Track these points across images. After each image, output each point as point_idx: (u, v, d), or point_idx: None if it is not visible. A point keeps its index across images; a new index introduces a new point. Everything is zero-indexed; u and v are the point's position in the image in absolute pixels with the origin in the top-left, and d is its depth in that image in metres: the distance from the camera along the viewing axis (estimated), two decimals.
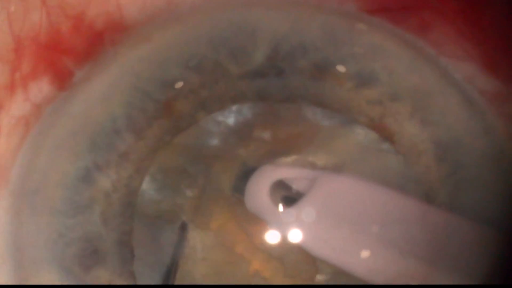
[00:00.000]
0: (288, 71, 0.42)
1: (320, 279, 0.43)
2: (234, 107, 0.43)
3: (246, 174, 0.43)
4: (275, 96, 0.43)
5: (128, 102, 0.42)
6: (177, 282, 0.43)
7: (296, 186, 0.42)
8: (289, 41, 0.41)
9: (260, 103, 0.43)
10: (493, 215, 0.40)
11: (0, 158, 0.41)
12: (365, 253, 0.40)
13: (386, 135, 0.43)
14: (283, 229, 0.41)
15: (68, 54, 0.41)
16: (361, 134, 0.44)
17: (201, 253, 0.44)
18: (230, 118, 0.44)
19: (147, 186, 0.44)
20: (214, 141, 0.44)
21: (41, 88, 0.41)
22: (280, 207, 0.42)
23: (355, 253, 0.40)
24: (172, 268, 0.43)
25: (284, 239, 0.42)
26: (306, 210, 0.41)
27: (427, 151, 0.42)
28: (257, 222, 0.42)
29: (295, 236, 0.41)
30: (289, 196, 0.42)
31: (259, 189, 0.42)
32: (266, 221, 0.42)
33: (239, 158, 0.44)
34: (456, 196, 0.41)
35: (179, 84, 0.42)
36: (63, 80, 0.41)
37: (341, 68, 0.42)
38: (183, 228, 0.44)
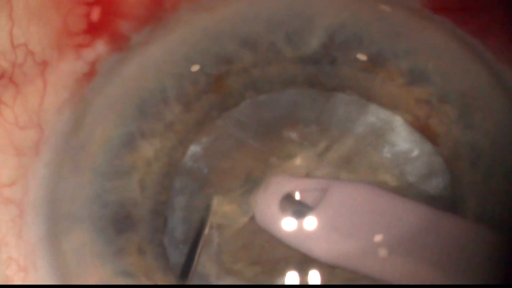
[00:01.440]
0: (341, 61, 0.41)
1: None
2: (285, 91, 0.43)
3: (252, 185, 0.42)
4: (325, 84, 0.42)
5: (179, 73, 0.41)
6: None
7: (307, 197, 0.41)
8: (345, 31, 0.41)
9: (309, 89, 0.43)
10: None
11: (44, 114, 0.40)
12: (379, 260, 0.39)
13: (430, 136, 0.43)
14: (295, 242, 0.40)
15: (126, 18, 0.40)
16: (404, 132, 0.43)
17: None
18: (277, 101, 0.44)
19: (188, 158, 0.43)
20: (259, 122, 0.44)
21: (95, 47, 0.41)
22: (292, 220, 0.41)
23: (369, 260, 0.39)
24: (198, 240, 0.43)
25: (298, 253, 0.40)
26: (319, 221, 0.40)
27: (466, 156, 0.41)
28: None
29: (307, 247, 0.40)
30: (300, 209, 0.41)
31: (269, 203, 0.41)
32: (277, 236, 0.40)
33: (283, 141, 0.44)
34: (485, 204, 0.41)
35: (233, 61, 0.42)
36: (119, 42, 0.41)
37: (394, 63, 0.41)
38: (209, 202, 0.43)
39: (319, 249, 0.40)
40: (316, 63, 0.42)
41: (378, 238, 0.39)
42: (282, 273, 0.42)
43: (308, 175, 0.42)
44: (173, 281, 0.41)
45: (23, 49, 0.38)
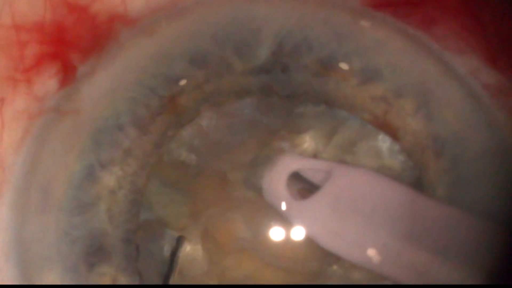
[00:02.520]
0: (293, 67, 0.41)
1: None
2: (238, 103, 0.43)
3: (259, 164, 0.43)
4: (280, 92, 0.42)
5: (132, 98, 0.40)
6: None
7: (312, 177, 0.41)
8: (293, 37, 0.40)
9: (264, 98, 0.42)
10: (496, 210, 0.40)
11: (4, 153, 0.39)
12: (375, 246, 0.40)
13: (390, 132, 0.42)
14: (297, 220, 0.41)
15: (71, 48, 0.39)
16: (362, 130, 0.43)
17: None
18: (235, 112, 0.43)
19: (152, 182, 0.43)
20: (218, 135, 0.43)
21: (44, 82, 0.39)
22: (297, 198, 0.41)
23: (366, 245, 0.40)
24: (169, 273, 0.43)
25: (296, 231, 0.41)
26: (321, 202, 0.40)
27: (428, 147, 0.41)
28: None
29: (308, 228, 0.41)
30: (305, 188, 0.42)
31: (277, 179, 0.41)
32: (281, 212, 0.41)
33: (248, 151, 0.44)
34: (454, 192, 0.41)
35: (184, 80, 0.41)
36: (66, 74, 0.39)
37: (345, 65, 0.40)
38: (179, 241, 0.43)
39: (318, 229, 0.41)
40: (268, 72, 0.41)
41: (376, 224, 0.40)
42: None
43: None
44: None
45: None
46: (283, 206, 0.41)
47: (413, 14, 0.40)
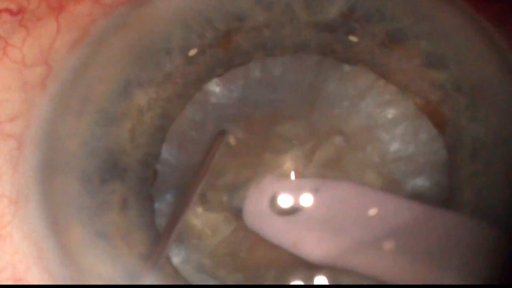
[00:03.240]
0: (359, 33, 0.39)
1: None
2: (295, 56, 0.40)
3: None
4: (339, 54, 0.40)
5: (187, 24, 0.38)
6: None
7: (297, 197, 0.39)
8: (368, 4, 0.38)
9: (322, 57, 0.40)
10: None
11: (55, 51, 0.37)
12: (371, 258, 0.38)
13: (438, 122, 0.41)
14: (285, 243, 0.39)
15: None
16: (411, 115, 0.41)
17: None
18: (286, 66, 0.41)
19: (187, 114, 0.41)
20: (263, 87, 0.41)
21: None
22: (282, 220, 0.39)
23: (361, 258, 0.38)
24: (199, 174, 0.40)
25: (287, 252, 0.39)
26: (309, 221, 0.38)
27: (467, 147, 0.40)
28: None
29: (297, 247, 0.38)
30: (290, 209, 0.39)
31: (258, 203, 0.39)
32: (266, 236, 0.39)
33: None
34: (480, 195, 0.39)
35: (245, 18, 0.38)
36: None
37: (413, 43, 0.38)
38: (222, 134, 0.40)
39: (309, 249, 0.39)
40: (332, 32, 0.39)
41: (370, 236, 0.38)
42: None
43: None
44: (152, 241, 0.40)
45: None
46: (268, 231, 0.39)
47: (491, 9, 0.38)
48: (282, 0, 0.38)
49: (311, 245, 0.38)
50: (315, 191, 0.39)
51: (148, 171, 0.40)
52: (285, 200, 0.39)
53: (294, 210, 0.39)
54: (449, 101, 0.39)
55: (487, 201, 0.39)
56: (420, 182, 0.41)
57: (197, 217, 0.41)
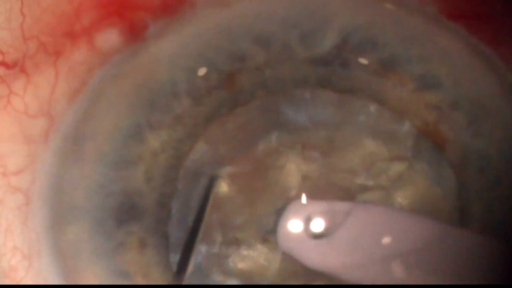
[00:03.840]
0: (353, 63, 0.40)
1: None
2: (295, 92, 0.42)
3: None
4: (337, 86, 0.41)
5: (192, 67, 0.40)
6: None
7: (329, 220, 0.39)
8: (360, 34, 0.39)
9: (321, 91, 0.42)
10: None
11: (55, 102, 0.39)
12: (398, 281, 0.38)
13: (438, 142, 0.42)
14: (318, 264, 0.39)
15: (144, 8, 0.39)
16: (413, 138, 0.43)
17: None
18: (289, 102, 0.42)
19: (196, 151, 0.42)
20: (271, 123, 0.42)
21: (110, 38, 0.40)
22: (314, 243, 0.39)
23: (388, 281, 0.38)
24: (198, 222, 0.41)
25: (320, 274, 0.40)
26: (340, 244, 0.39)
27: (474, 163, 0.40)
28: None
29: (330, 270, 0.39)
30: (322, 232, 0.40)
31: (291, 227, 0.39)
32: (301, 260, 0.39)
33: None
34: (490, 211, 0.40)
35: (245, 59, 0.40)
36: (135, 32, 0.39)
37: (406, 68, 0.40)
38: (212, 181, 0.42)
39: (341, 270, 0.39)
40: (328, 65, 0.40)
41: (398, 258, 0.38)
42: None
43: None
44: (171, 279, 0.41)
45: (35, 41, 0.37)
46: (302, 254, 0.39)
47: (485, 30, 0.39)
48: (279, 38, 0.40)
49: (342, 266, 0.39)
50: (347, 214, 0.39)
51: (163, 211, 0.42)
52: (317, 223, 0.40)
53: (326, 233, 0.39)
54: (447, 121, 0.41)
55: (497, 216, 0.40)
56: (431, 200, 0.41)
57: (244, 259, 0.42)
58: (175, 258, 0.41)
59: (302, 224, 0.39)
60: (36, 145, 0.39)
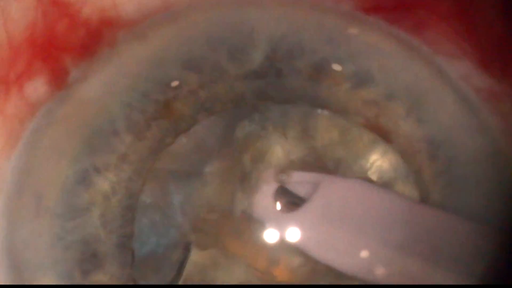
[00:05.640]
0: (286, 72, 0.39)
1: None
2: (235, 109, 0.41)
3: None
4: (274, 97, 0.40)
5: (126, 103, 0.39)
6: None
7: (300, 190, 0.40)
8: (286, 41, 0.39)
9: (259, 104, 0.41)
10: (488, 214, 0.38)
11: None
12: (366, 255, 0.38)
13: (383, 135, 0.41)
14: (286, 233, 0.39)
15: (64, 52, 0.38)
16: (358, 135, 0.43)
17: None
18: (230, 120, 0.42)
19: (148, 188, 0.41)
20: (216, 144, 0.42)
21: (36, 87, 0.38)
22: (284, 211, 0.40)
23: (356, 254, 0.38)
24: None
25: (287, 244, 0.40)
26: (310, 214, 0.39)
27: (422, 150, 0.40)
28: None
29: (299, 240, 0.39)
30: (293, 201, 0.40)
31: (263, 194, 0.40)
32: (269, 226, 0.39)
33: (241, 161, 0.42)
34: (448, 195, 0.40)
35: (177, 85, 0.39)
36: (58, 79, 0.38)
37: (337, 68, 0.39)
38: (186, 249, 0.41)
39: (308, 241, 0.39)
40: (263, 77, 0.39)
41: (368, 232, 0.38)
42: None
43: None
44: None
45: None
46: (272, 220, 0.39)
47: (405, 18, 0.40)
48: (208, 59, 0.39)
49: (310, 237, 0.39)
50: (317, 184, 0.39)
51: (126, 253, 0.40)
52: (288, 191, 0.40)
53: (296, 201, 0.40)
54: (386, 113, 0.41)
55: (455, 199, 0.40)
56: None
57: None
58: None
59: (273, 192, 0.40)
60: None
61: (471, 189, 0.39)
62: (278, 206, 0.40)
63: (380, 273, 0.38)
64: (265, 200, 0.40)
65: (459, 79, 0.39)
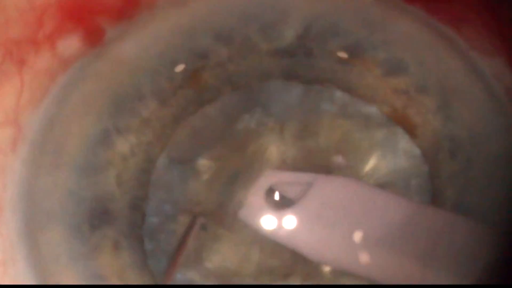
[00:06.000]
0: (317, 52, 0.39)
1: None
2: (262, 85, 0.41)
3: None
4: (302, 76, 0.40)
5: (155, 69, 0.39)
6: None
7: (292, 190, 0.39)
8: (321, 22, 0.38)
9: (287, 83, 0.41)
10: (502, 215, 0.37)
11: (21, 111, 0.39)
12: (361, 255, 0.37)
13: (408, 127, 0.41)
14: (279, 234, 0.38)
15: (101, 13, 0.39)
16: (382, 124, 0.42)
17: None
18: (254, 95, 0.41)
19: (166, 154, 0.41)
20: (238, 118, 0.41)
21: (70, 44, 0.39)
22: (276, 214, 0.39)
23: (351, 254, 0.37)
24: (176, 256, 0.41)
25: (280, 245, 0.39)
26: (302, 213, 0.38)
27: (444, 147, 0.39)
28: None
29: (291, 241, 0.38)
30: (284, 202, 0.39)
31: (253, 197, 0.39)
32: (261, 228, 0.39)
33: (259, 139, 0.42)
34: (463, 194, 0.38)
35: (207, 55, 0.39)
36: (94, 36, 0.38)
37: (370, 53, 0.38)
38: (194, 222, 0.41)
39: (302, 242, 0.38)
40: (292, 56, 0.39)
41: (361, 232, 0.37)
42: None
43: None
44: (147, 280, 0.40)
45: (2, 49, 0.36)
46: (263, 224, 0.39)
47: (444, 11, 0.38)
48: (240, 33, 0.38)
49: (303, 238, 0.38)
50: (309, 185, 0.38)
51: (137, 214, 0.40)
52: (279, 194, 0.39)
53: (287, 203, 0.39)
54: (415, 105, 0.40)
55: (470, 200, 0.38)
56: (403, 185, 0.40)
57: None
58: (151, 261, 0.40)
59: (263, 195, 0.39)
60: (4, 154, 0.38)
61: (486, 191, 0.38)
62: (271, 205, 0.39)
63: (374, 272, 0.37)
64: (257, 198, 0.39)
65: (492, 77, 0.38)
